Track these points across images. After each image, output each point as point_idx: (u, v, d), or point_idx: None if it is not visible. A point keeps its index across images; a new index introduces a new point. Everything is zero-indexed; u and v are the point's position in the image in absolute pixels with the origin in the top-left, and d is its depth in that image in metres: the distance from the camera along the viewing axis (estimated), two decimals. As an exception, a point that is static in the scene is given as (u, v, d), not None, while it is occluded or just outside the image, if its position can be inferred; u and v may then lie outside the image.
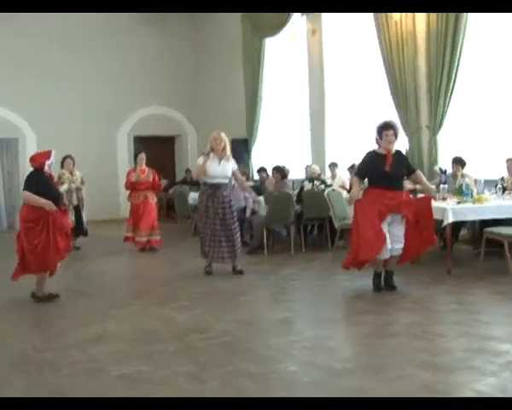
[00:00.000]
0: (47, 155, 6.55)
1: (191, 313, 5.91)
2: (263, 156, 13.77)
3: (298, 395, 3.76)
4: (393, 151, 6.40)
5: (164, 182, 10.40)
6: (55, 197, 6.53)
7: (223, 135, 7.54)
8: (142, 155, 10.24)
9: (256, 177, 12.74)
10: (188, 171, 15.03)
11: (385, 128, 6.35)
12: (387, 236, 6.27)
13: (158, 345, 4.93)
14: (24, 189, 6.46)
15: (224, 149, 7.48)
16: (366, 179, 6.61)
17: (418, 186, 7.21)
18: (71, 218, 9.44)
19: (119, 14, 15.22)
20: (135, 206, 10.12)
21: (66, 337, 5.25)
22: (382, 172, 6.28)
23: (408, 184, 7.35)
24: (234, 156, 12.89)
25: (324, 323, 5.45)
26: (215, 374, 4.19)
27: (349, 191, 9.49)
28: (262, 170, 11.71)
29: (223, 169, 7.48)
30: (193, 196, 11.13)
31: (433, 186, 7.99)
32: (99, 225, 13.15)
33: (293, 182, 10.97)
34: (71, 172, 10.29)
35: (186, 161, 16.33)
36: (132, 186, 10.13)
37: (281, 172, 9.97)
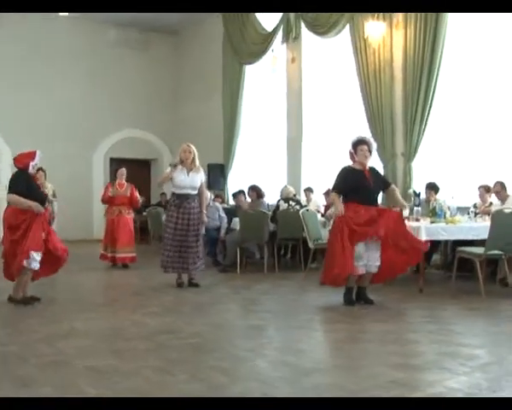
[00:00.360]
0: (31, 155, 6.44)
1: (162, 319, 5.81)
2: (239, 181, 13.77)
3: (267, 388, 3.69)
4: (368, 167, 6.46)
5: (141, 199, 10.27)
6: (41, 199, 6.42)
7: (192, 147, 7.61)
8: (123, 171, 10.16)
9: (231, 201, 12.74)
10: (163, 194, 14.96)
11: (359, 143, 6.42)
12: (364, 253, 6.30)
13: (127, 343, 4.84)
14: (10, 192, 6.32)
15: (193, 160, 7.53)
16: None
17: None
18: None
19: (100, 35, 15.41)
20: (109, 221, 10.01)
21: (34, 333, 5.14)
22: (362, 186, 6.32)
23: None
24: (209, 181, 13.00)
25: (296, 329, 5.39)
26: (185, 368, 4.11)
27: (323, 214, 9.57)
28: (240, 192, 11.71)
29: (191, 180, 7.50)
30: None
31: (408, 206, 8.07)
32: (72, 244, 12.92)
33: (269, 205, 10.97)
34: (42, 185, 10.16)
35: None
36: (109, 201, 10.01)
37: (256, 191, 9.99)
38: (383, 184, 6.65)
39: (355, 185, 6.34)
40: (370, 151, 6.49)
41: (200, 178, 7.60)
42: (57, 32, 14.95)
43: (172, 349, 4.64)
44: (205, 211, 7.80)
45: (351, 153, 6.51)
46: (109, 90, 15.75)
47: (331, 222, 8.05)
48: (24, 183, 6.30)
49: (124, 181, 10.10)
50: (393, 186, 6.86)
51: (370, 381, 3.83)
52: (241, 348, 4.74)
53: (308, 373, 4.02)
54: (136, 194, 10.16)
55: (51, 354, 4.48)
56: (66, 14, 11.07)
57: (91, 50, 15.52)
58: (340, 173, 6.58)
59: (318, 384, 3.79)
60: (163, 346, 4.74)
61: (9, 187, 6.35)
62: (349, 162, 6.63)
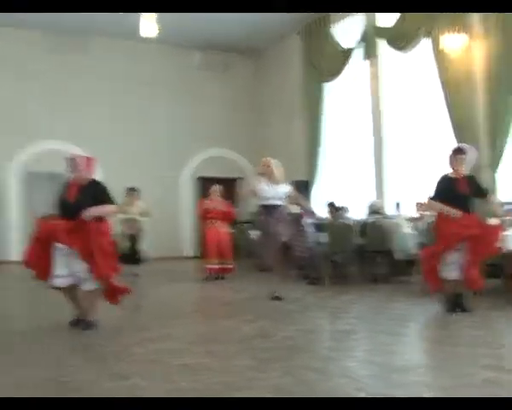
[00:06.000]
0: None
1: (254, 325, 5.95)
2: (324, 197, 13.83)
3: (356, 384, 3.76)
4: (464, 174, 6.42)
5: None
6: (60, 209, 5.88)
7: (270, 160, 7.72)
8: (215, 188, 10.22)
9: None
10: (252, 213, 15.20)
11: (457, 153, 6.41)
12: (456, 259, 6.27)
13: (219, 345, 5.03)
14: None
15: (272, 173, 7.62)
16: None
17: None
18: (122, 245, 9.85)
19: (186, 58, 16.10)
20: (206, 234, 10.14)
21: (128, 337, 5.41)
22: (453, 194, 6.31)
23: None
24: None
25: (385, 334, 5.42)
26: (276, 367, 4.21)
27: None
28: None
29: (275, 191, 7.57)
30: (254, 233, 11.16)
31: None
32: (162, 260, 13.42)
33: (355, 220, 10.97)
34: (131, 204, 10.61)
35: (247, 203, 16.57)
36: (204, 214, 10.11)
37: (332, 205, 10.46)
38: (479, 193, 6.56)
39: (447, 192, 6.34)
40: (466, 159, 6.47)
41: (283, 189, 7.66)
42: (145, 57, 15.72)
43: (264, 351, 4.77)
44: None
45: (450, 160, 6.49)
46: (192, 112, 16.35)
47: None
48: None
49: (217, 197, 10.12)
50: (491, 197, 6.74)
51: (460, 380, 3.82)
52: (331, 350, 4.85)
53: (396, 371, 4.07)
54: (232, 209, 10.25)
55: (145, 354, 4.74)
56: (154, 37, 11.56)
57: (177, 74, 16.19)
58: (438, 181, 6.57)
59: (407, 382, 3.82)
60: (255, 348, 4.89)
61: None
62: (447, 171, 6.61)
